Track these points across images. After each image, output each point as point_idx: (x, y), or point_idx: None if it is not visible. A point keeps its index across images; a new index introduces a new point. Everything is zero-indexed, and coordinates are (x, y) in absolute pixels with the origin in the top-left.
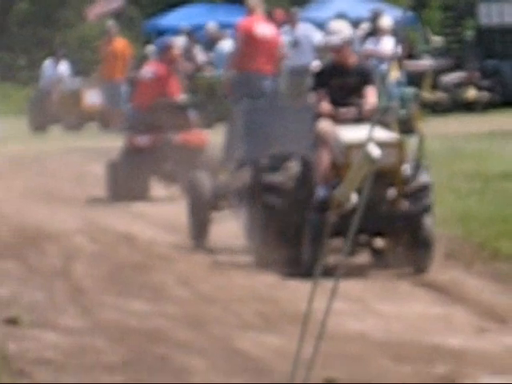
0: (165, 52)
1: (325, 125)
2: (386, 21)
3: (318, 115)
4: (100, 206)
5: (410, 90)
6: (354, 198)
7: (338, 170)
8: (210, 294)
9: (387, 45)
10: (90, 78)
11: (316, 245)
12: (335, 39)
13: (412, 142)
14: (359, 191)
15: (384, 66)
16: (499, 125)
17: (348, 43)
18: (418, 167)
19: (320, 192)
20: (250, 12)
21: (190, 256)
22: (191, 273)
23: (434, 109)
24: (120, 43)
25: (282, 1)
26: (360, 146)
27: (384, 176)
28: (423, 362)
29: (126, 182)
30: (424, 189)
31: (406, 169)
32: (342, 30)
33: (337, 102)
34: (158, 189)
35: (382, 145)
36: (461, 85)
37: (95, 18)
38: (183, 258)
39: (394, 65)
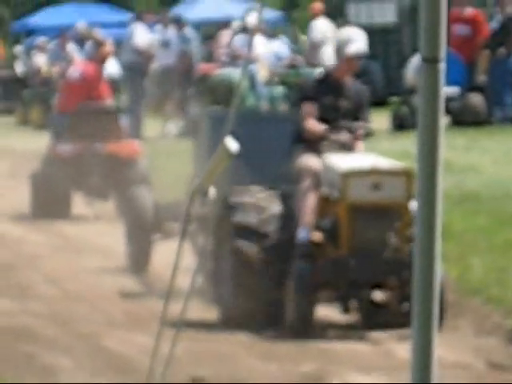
0: (95, 49)
1: (310, 156)
2: (256, 19)
3: (301, 133)
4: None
5: (279, 90)
6: (212, 192)
7: (329, 206)
8: (78, 293)
9: (258, 44)
10: None
11: (304, 298)
12: (353, 48)
13: None
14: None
15: (253, 66)
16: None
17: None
18: None
19: (302, 234)
20: None
21: (59, 255)
22: (59, 272)
23: None
24: None
25: (152, 1)
26: (359, 175)
27: (387, 213)
28: (290, 360)
29: (46, 196)
30: None
31: (414, 205)
32: (359, 39)
33: (326, 124)
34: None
35: (385, 174)
36: None
37: None
38: (52, 256)
39: (264, 65)
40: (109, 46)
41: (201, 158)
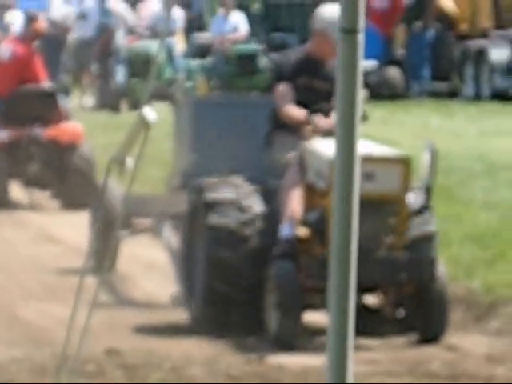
0: (27, 26)
1: (290, 145)
2: None
3: (278, 118)
4: None
5: (195, 62)
6: (130, 162)
7: (316, 198)
8: None
9: (177, 16)
10: None
11: (290, 306)
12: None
13: (422, 159)
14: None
15: (171, 39)
16: None
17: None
18: (427, 195)
19: (285, 231)
20: None
21: None
22: None
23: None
24: None
25: None
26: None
27: (381, 207)
28: None
29: None
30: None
31: (412, 198)
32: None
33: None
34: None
35: (379, 162)
36: None
37: None
38: None
39: (181, 37)
40: (41, 22)
41: (183, 143)
